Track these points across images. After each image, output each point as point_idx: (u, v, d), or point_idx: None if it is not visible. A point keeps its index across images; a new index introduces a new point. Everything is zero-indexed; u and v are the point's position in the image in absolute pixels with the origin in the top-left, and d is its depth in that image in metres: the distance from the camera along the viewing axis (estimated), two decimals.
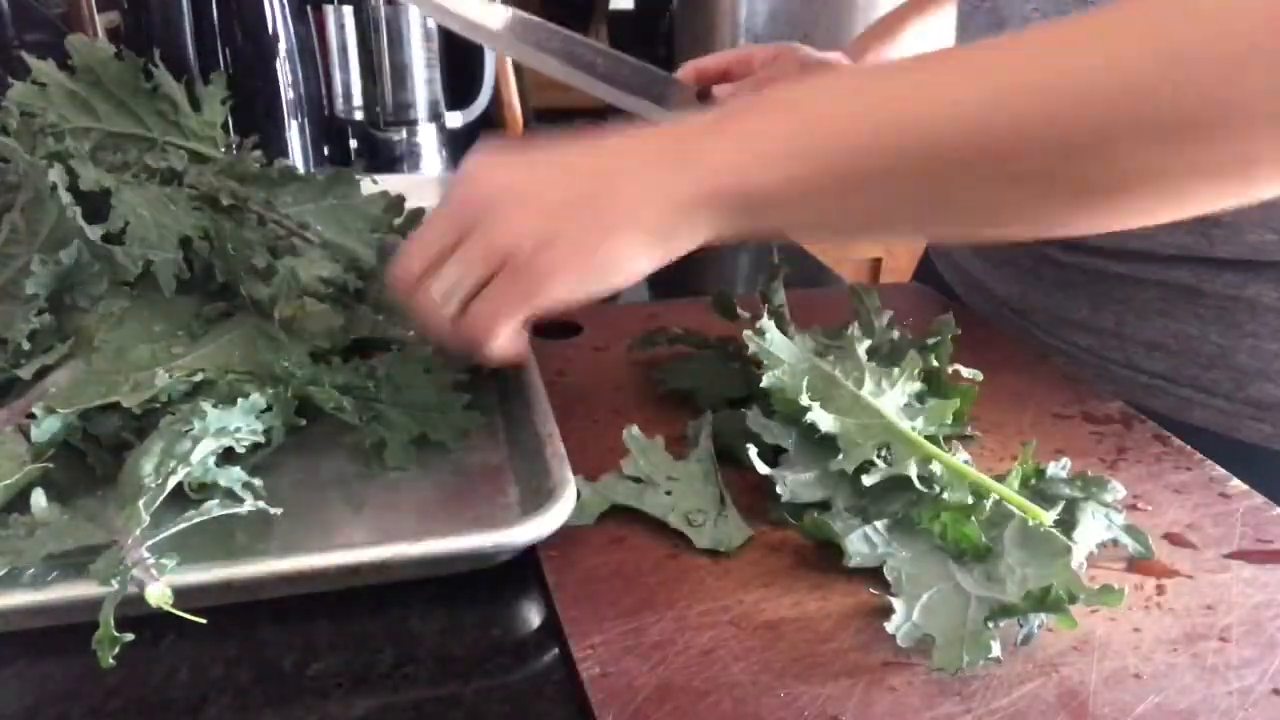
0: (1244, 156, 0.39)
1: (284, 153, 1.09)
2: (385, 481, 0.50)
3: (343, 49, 1.22)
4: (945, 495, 0.43)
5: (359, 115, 1.25)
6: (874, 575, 0.43)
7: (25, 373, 0.48)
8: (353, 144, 1.25)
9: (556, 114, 1.43)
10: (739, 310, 0.61)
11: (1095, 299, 0.68)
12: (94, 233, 0.51)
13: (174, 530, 0.40)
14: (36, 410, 0.45)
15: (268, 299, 0.53)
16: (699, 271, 0.96)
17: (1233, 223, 0.58)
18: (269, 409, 0.49)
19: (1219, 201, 0.42)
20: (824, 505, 0.46)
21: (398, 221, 0.66)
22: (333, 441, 0.53)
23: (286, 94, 1.08)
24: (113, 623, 0.35)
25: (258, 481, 0.45)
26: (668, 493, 0.48)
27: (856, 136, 0.43)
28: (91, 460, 0.47)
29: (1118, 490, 0.47)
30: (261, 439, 0.47)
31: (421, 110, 1.23)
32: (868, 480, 0.44)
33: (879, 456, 0.45)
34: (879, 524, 0.44)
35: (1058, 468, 0.48)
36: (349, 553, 0.41)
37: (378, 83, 1.21)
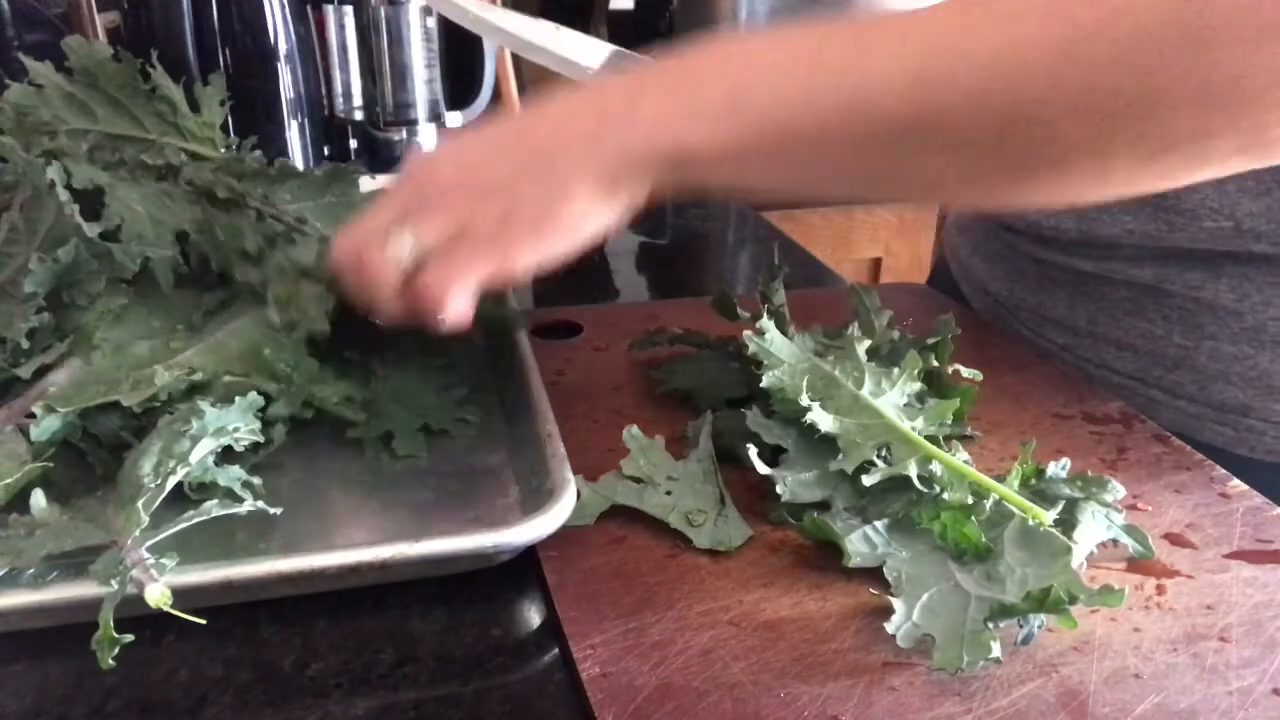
0: (1194, 132, 0.37)
1: (284, 153, 1.09)
2: (385, 481, 0.50)
3: (343, 49, 1.21)
4: (945, 495, 0.43)
5: (359, 115, 1.25)
6: (874, 575, 0.43)
7: (24, 372, 0.48)
8: (353, 144, 1.25)
9: None
10: (739, 310, 0.61)
11: (1072, 298, 0.68)
12: (92, 230, 0.51)
13: (174, 530, 0.39)
14: (36, 409, 0.45)
15: (259, 282, 0.54)
16: (699, 271, 0.96)
17: (1192, 209, 0.58)
18: (268, 406, 0.49)
19: (1167, 177, 0.40)
20: (824, 505, 0.46)
21: None
22: (333, 441, 0.53)
23: (286, 94, 1.08)
24: (112, 623, 0.35)
25: (257, 481, 0.45)
26: (668, 493, 0.48)
27: (791, 94, 0.42)
28: (91, 460, 0.47)
29: (1118, 490, 0.47)
30: (260, 438, 0.47)
31: (421, 110, 1.22)
32: (868, 480, 0.44)
33: (879, 456, 0.45)
34: (879, 524, 0.44)
35: (1058, 468, 0.48)
36: (349, 553, 0.40)
37: (378, 83, 1.20)
